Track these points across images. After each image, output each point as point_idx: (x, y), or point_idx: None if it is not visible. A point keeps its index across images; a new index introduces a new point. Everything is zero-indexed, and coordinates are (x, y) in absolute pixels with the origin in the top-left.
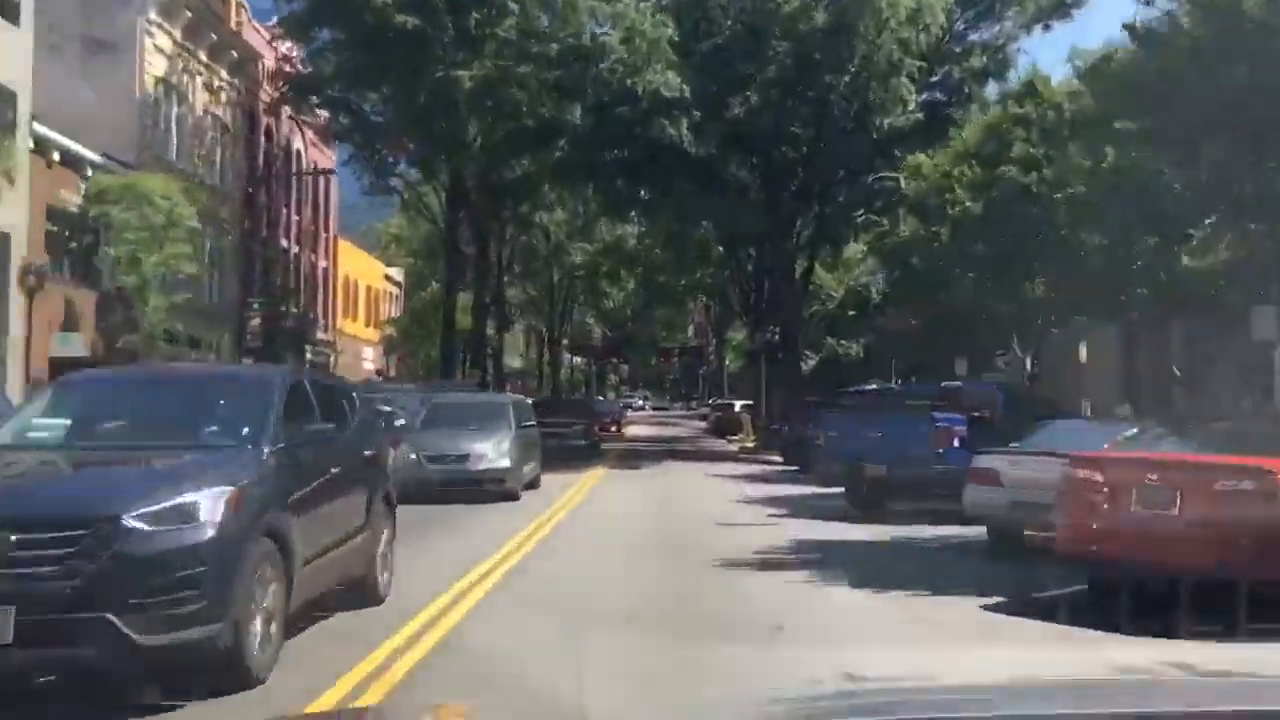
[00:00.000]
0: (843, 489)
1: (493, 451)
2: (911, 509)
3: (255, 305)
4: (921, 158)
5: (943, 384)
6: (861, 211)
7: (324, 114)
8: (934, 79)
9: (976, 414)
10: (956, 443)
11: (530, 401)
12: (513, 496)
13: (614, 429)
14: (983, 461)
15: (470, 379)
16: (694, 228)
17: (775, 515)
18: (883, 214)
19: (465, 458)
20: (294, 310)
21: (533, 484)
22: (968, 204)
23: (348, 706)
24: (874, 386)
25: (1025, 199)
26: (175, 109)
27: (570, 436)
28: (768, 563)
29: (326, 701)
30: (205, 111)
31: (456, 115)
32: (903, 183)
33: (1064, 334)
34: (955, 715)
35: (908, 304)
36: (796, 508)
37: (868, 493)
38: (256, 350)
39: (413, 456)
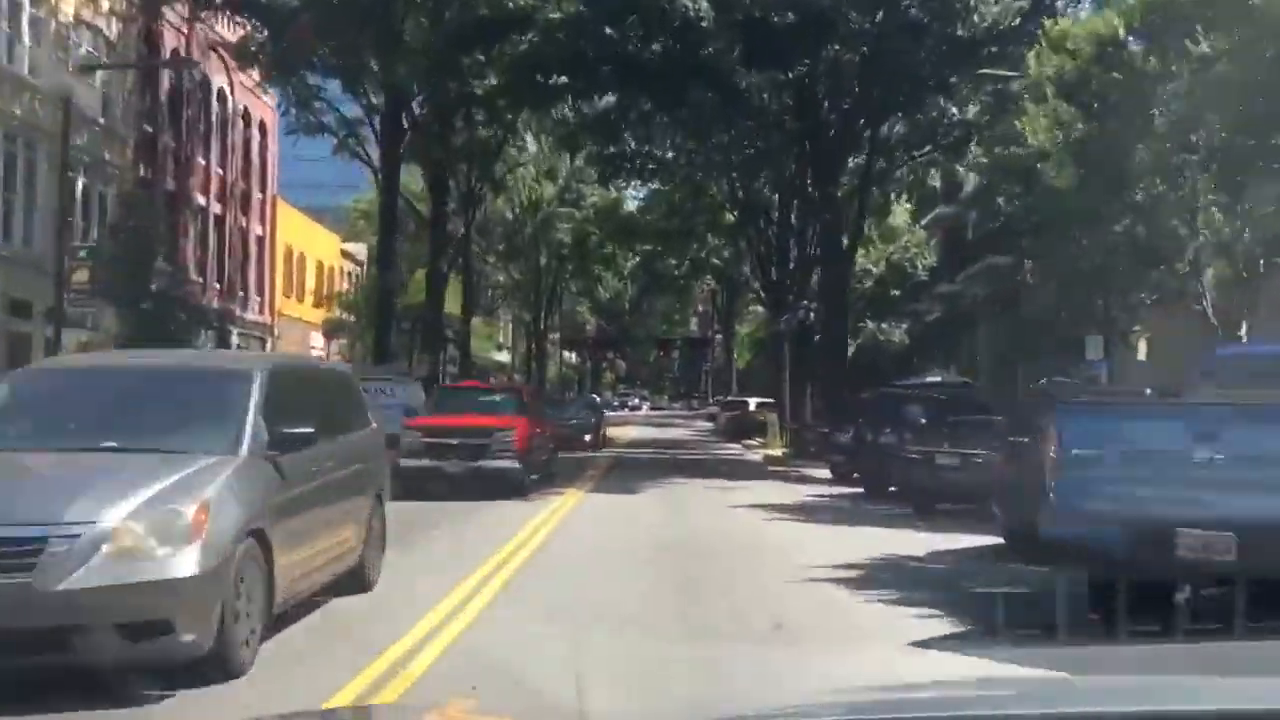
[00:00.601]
0: (1067, 575)
1: (142, 520)
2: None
3: (82, 254)
4: (1065, 23)
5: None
6: (928, 148)
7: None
8: None
9: None
10: None
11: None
12: (226, 671)
13: (588, 438)
14: None
15: (421, 366)
16: (707, 172)
17: (934, 641)
18: (957, 148)
19: (31, 546)
20: (159, 262)
21: (361, 581)
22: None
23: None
24: (937, 378)
25: None
26: (29, 8)
27: (475, 456)
28: None
29: None
30: (78, 20)
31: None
32: (1033, 64)
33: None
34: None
35: (1019, 250)
36: (950, 599)
37: (1191, 600)
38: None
39: None
